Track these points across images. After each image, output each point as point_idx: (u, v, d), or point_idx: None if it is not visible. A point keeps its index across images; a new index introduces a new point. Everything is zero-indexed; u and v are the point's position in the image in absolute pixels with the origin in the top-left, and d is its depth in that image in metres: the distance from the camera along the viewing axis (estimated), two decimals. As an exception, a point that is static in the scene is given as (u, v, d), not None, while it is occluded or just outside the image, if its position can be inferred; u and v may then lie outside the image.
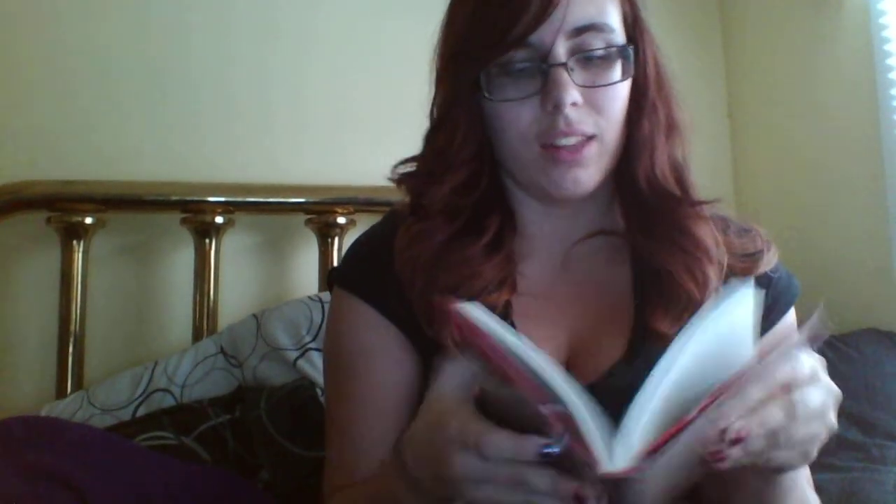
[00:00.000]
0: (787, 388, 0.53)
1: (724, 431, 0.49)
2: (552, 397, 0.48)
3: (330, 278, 0.88)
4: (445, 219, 0.79)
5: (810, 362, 0.55)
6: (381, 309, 0.80)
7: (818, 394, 0.54)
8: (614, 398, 0.71)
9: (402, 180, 0.84)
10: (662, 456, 0.48)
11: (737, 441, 0.49)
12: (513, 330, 0.52)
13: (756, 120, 1.89)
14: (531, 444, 0.49)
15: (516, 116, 0.74)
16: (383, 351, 0.80)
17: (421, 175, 0.83)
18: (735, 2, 1.94)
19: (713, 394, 0.49)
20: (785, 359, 0.52)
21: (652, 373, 0.50)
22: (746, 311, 0.53)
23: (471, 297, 0.74)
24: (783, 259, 0.83)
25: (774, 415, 0.51)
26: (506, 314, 0.77)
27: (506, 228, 0.81)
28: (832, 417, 0.56)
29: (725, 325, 0.52)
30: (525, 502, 0.51)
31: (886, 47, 1.50)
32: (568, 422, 0.47)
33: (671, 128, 0.80)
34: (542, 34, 0.72)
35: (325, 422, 0.85)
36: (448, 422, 0.52)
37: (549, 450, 0.48)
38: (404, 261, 0.78)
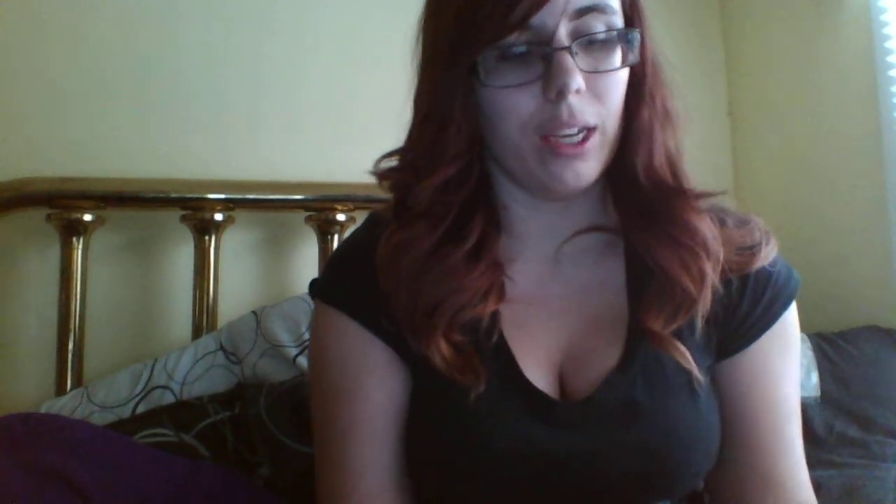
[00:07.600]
0: None
1: None
2: None
3: (311, 291, 0.83)
4: (429, 224, 0.74)
5: None
6: (365, 323, 0.76)
7: None
8: (610, 412, 0.70)
9: (386, 175, 0.79)
10: None
11: None
12: None
13: (756, 119, 1.89)
14: None
15: (515, 104, 0.69)
16: (369, 368, 0.75)
17: (408, 169, 0.77)
18: (735, 1, 1.94)
19: None
20: None
21: None
22: None
23: (456, 311, 0.71)
24: (784, 258, 0.82)
25: None
26: (493, 326, 0.73)
27: (490, 230, 0.76)
28: None
29: None
30: None
31: (886, 46, 1.50)
32: None
33: (666, 117, 0.76)
34: (544, 16, 0.66)
35: (313, 444, 0.79)
36: None
37: None
38: (388, 276, 0.74)
